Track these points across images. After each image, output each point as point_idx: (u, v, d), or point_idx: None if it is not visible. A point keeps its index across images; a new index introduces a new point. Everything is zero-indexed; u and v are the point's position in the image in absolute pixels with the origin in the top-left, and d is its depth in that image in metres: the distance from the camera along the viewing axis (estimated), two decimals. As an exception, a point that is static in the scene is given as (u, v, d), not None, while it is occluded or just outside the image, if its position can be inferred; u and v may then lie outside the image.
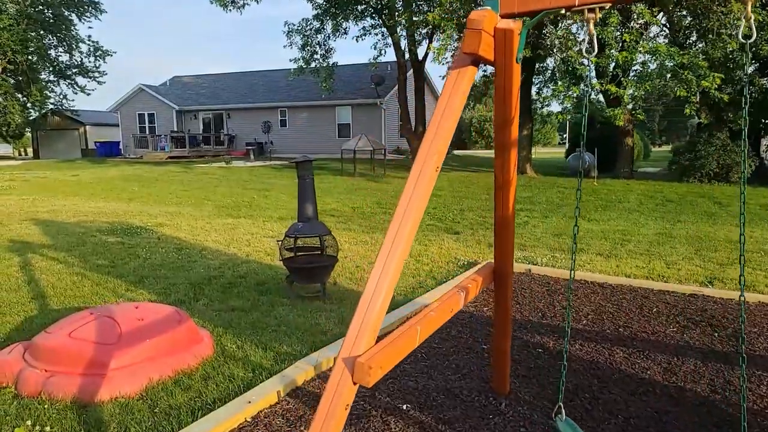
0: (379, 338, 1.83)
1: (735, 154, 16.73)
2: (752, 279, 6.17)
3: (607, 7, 1.89)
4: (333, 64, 23.07)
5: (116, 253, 7.27)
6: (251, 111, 33.32)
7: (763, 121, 18.61)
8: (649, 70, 14.60)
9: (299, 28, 22.02)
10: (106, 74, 35.95)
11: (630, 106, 15.92)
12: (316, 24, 21.79)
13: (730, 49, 13.43)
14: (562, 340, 4.23)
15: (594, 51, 1.93)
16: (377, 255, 1.83)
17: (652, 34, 16.66)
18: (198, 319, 4.61)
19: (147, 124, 35.53)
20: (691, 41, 17.13)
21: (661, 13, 15.84)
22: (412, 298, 5.31)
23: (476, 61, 2.03)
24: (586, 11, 1.88)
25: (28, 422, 2.95)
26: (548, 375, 3.60)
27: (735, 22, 12.58)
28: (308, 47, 22.23)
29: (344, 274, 6.19)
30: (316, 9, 21.61)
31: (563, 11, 1.94)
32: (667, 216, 10.77)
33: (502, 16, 2.01)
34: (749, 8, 1.69)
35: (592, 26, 1.92)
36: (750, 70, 16.26)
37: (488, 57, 2.02)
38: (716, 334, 4.37)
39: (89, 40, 38.88)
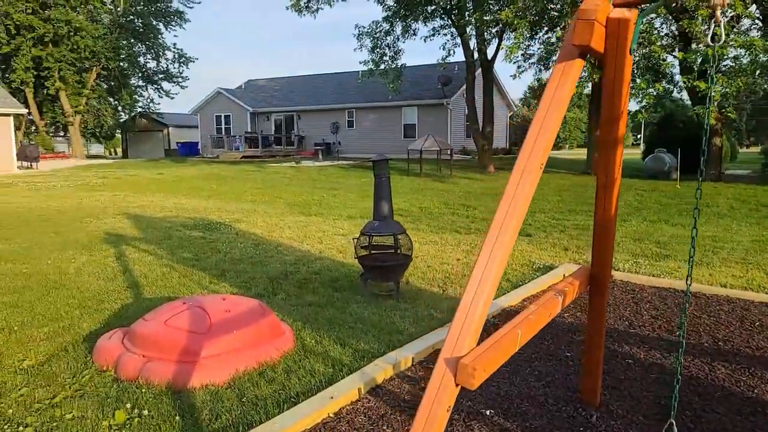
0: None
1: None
2: None
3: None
4: (401, 65, 23.14)
5: (199, 247, 7.60)
6: (320, 112, 34.03)
7: None
8: (742, 65, 13.57)
9: (369, 30, 22.23)
10: (188, 79, 38.18)
11: (718, 104, 14.88)
12: (386, 26, 21.91)
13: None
14: (653, 351, 3.99)
15: (721, 38, 1.78)
16: (479, 254, 1.77)
17: (744, 28, 15.50)
18: (278, 313, 4.72)
19: (223, 126, 37.14)
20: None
21: (755, 5, 14.70)
22: (489, 300, 5.18)
23: (584, 53, 1.93)
24: (713, -4, 1.74)
25: (128, 405, 3.12)
26: (641, 388, 3.39)
27: None
28: (378, 49, 22.39)
29: (416, 274, 6.15)
30: (386, 11, 21.74)
31: (686, -3, 1.81)
32: (763, 222, 9.95)
33: (615, 5, 1.90)
34: (718, 12, 1.50)
35: (719, 13, 1.77)
36: None
37: (599, 49, 1.91)
38: (831, 353, 3.96)
39: (174, 48, 41.22)
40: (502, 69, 31.79)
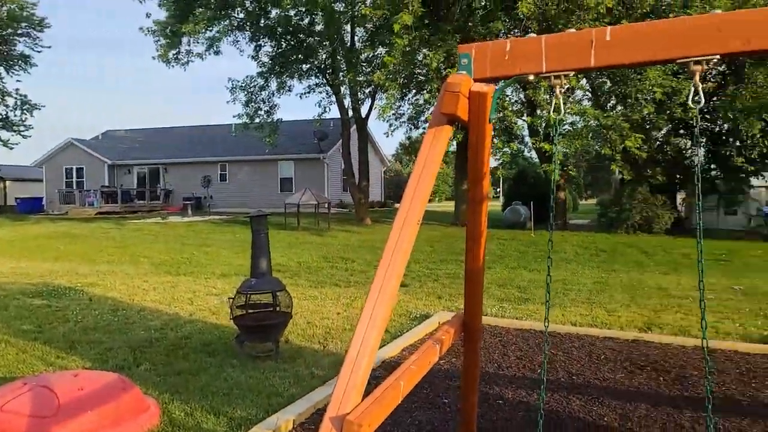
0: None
1: (656, 207, 18.05)
2: (686, 324, 6.54)
3: (571, 75, 2.07)
4: (278, 120, 23.26)
5: (43, 317, 6.73)
6: (190, 165, 32.64)
7: (678, 177, 20.30)
8: (578, 130, 15.73)
9: (243, 85, 22.16)
10: (32, 128, 34.36)
11: (561, 162, 16.95)
12: (261, 81, 22.00)
13: (647, 112, 14.76)
14: (519, 390, 4.28)
15: (561, 112, 2.09)
16: (362, 308, 1.82)
17: (577, 98, 18.06)
18: (142, 386, 4.31)
19: (75, 179, 33.91)
20: (611, 105, 18.68)
21: (585, 79, 17.26)
22: (369, 353, 5.22)
23: (452, 120, 2.14)
24: (552, 77, 2.05)
25: None
26: (510, 427, 3.61)
27: (650, 88, 13.91)
28: (252, 103, 22.33)
29: (296, 331, 6.03)
30: (260, 67, 21.88)
31: (531, 77, 2.10)
32: (602, 265, 11.34)
33: (476, 80, 2.15)
34: (697, 77, 1.91)
35: (558, 91, 2.08)
36: (664, 131, 17.88)
37: (464, 117, 2.14)
38: (661, 379, 4.56)
39: (17, 93, 37.26)
40: (376, 126, 33.45)
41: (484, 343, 5.55)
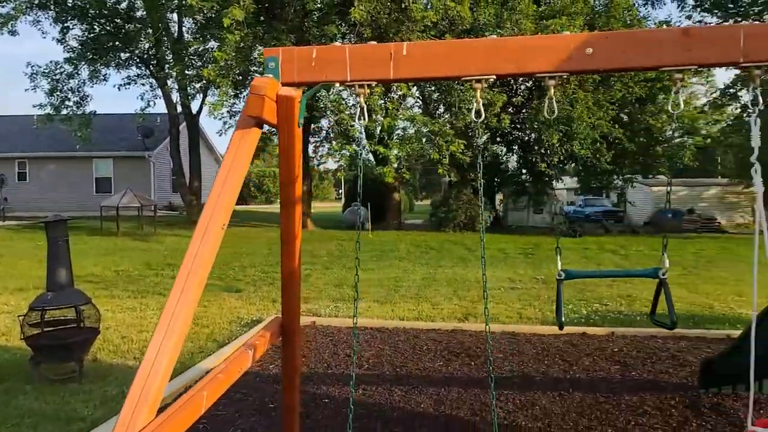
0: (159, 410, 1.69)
1: (479, 207, 19.97)
2: (497, 312, 7.33)
3: (374, 85, 2.18)
4: (90, 112, 20.80)
5: None
6: (-23, 162, 27.67)
7: (496, 180, 22.70)
8: (409, 135, 16.74)
9: (47, 71, 19.40)
10: None
11: (395, 165, 17.88)
12: (69, 68, 19.43)
13: (469, 120, 16.26)
14: (347, 388, 4.41)
15: (365, 119, 2.19)
16: (160, 318, 1.72)
17: (409, 105, 19.21)
18: None
19: None
20: (439, 112, 20.21)
21: (415, 87, 18.42)
22: (192, 364, 4.95)
23: (260, 123, 2.12)
24: (357, 86, 2.14)
25: None
26: (335, 425, 3.70)
27: (470, 98, 15.35)
28: (58, 93, 19.64)
29: (107, 348, 5.48)
30: (68, 52, 19.35)
31: (337, 84, 2.17)
32: (430, 262, 12.19)
33: (284, 84, 2.15)
34: (478, 94, 2.14)
35: (362, 99, 2.18)
36: (484, 138, 19.85)
37: (271, 120, 2.12)
38: (473, 363, 5.05)
39: None
40: (210, 124, 31.74)
41: (316, 344, 5.61)
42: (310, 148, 22.17)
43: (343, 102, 16.00)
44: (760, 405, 4.12)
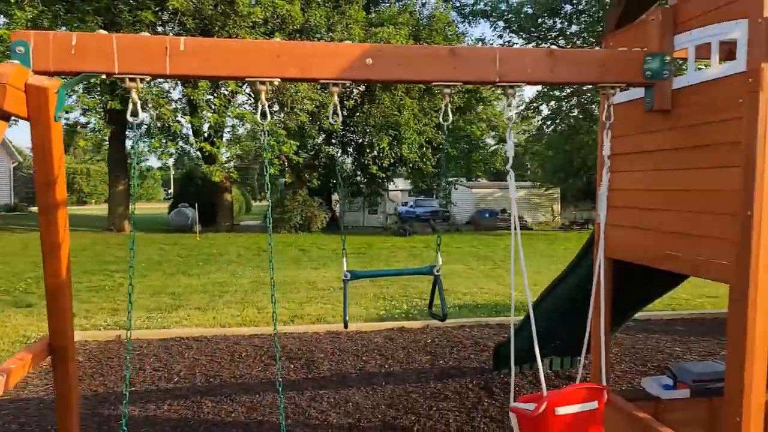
0: None
1: (314, 208, 20.07)
2: (323, 312, 7.41)
3: (147, 79, 2.01)
4: None
5: None
6: None
7: (333, 181, 23.02)
8: (239, 133, 16.21)
9: None
10: None
11: (229, 164, 17.15)
12: None
13: (302, 120, 16.25)
14: (149, 405, 4.08)
15: (138, 114, 2.01)
16: None
17: (239, 102, 18.56)
18: None
19: None
20: (274, 111, 19.87)
21: (245, 84, 17.86)
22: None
23: (4, 115, 1.83)
24: (127, 79, 1.96)
25: None
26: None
27: (302, 99, 15.38)
28: None
29: None
30: None
31: (104, 76, 1.96)
32: (262, 265, 11.90)
33: (36, 72, 1.89)
34: (263, 96, 2.11)
35: (134, 94, 2.00)
36: (318, 140, 20.02)
37: (19, 113, 1.85)
38: (292, 366, 5.03)
39: None
40: None
41: (118, 361, 5.10)
42: (128, 143, 20.19)
43: (165, 96, 14.87)
44: (535, 383, 4.75)
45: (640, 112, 2.46)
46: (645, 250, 2.52)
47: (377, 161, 19.57)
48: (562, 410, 2.21)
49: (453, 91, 2.24)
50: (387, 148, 18.18)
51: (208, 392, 4.30)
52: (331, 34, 14.46)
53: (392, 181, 25.07)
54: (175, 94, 17.24)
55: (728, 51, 2.20)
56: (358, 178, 23.75)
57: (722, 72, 2.06)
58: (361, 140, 22.46)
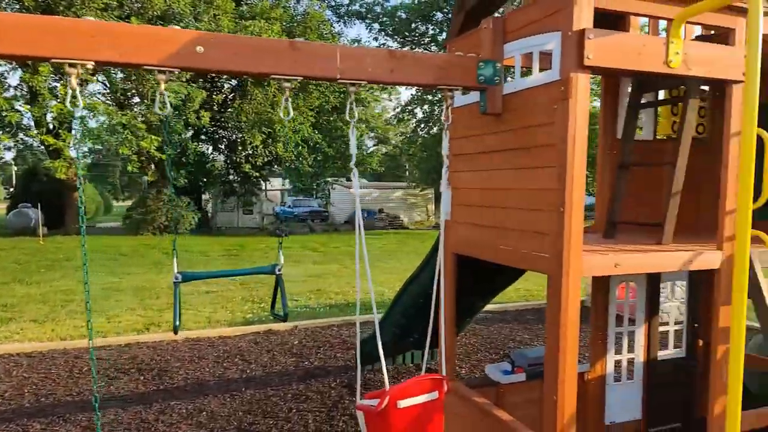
0: None
1: (181, 208, 18.87)
2: (184, 319, 6.97)
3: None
4: None
5: None
6: None
7: (204, 179, 21.84)
8: (90, 126, 14.70)
9: None
10: None
11: (85, 159, 15.47)
12: None
13: (166, 114, 15.01)
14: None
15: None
16: None
17: (91, 91, 16.82)
18: None
19: None
20: (135, 102, 18.34)
21: (100, 72, 16.31)
22: None
23: None
24: None
25: None
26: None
27: (167, 90, 14.23)
28: None
29: None
30: None
31: None
32: (116, 270, 10.93)
33: None
34: (73, 80, 1.88)
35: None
36: (188, 135, 18.80)
37: None
38: (142, 378, 4.65)
39: None
40: None
41: (-75, 386, 4.35)
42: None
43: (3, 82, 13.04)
44: (395, 377, 4.87)
45: (478, 114, 2.59)
46: (483, 245, 2.67)
47: (251, 159, 18.93)
48: (404, 403, 2.26)
49: (293, 86, 2.19)
50: (261, 146, 17.65)
51: (38, 413, 3.82)
52: (197, 24, 13.66)
53: (268, 180, 24.46)
54: (13, 80, 15.18)
55: (551, 61, 2.40)
56: (231, 176, 22.82)
57: (541, 80, 2.23)
58: (234, 137, 21.59)
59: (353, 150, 2.26)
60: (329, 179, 27.68)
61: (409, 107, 26.59)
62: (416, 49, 25.28)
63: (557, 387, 2.15)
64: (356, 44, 26.13)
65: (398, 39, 26.53)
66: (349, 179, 31.89)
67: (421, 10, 24.30)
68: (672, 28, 2.19)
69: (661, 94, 3.27)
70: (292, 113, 2.20)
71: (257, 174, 19.29)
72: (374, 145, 33.87)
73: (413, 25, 25.78)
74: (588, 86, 2.10)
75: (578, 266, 2.14)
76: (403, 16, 25.82)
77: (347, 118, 2.21)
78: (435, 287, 2.61)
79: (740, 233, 1.88)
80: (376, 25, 26.79)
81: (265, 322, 6.82)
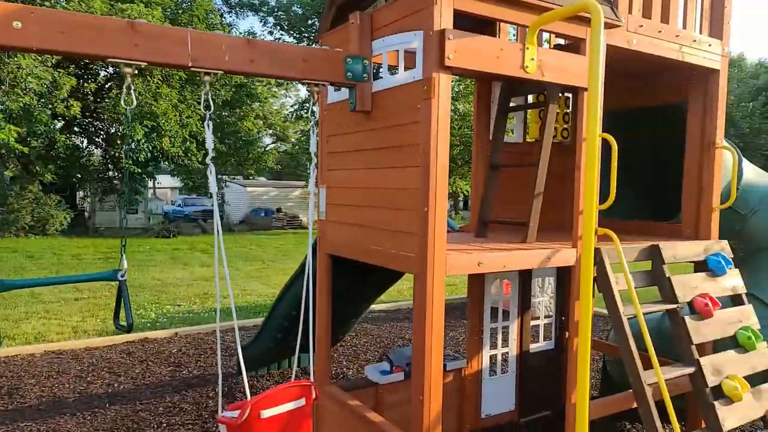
0: None
1: (50, 207, 17.08)
2: (45, 330, 6.29)
3: None
4: None
5: None
6: None
7: (77, 176, 19.91)
8: None
9: None
10: None
11: None
12: None
13: (27, 102, 13.44)
14: None
15: None
16: None
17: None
18: None
19: None
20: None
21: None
22: None
23: None
24: None
25: None
26: None
27: (25, 77, 12.79)
28: None
29: None
30: None
31: None
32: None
33: None
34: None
35: None
36: (54, 127, 16.98)
37: None
38: (-18, 401, 4.09)
39: None
40: None
41: None
42: None
43: None
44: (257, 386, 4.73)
45: (350, 112, 2.53)
46: (356, 245, 2.62)
47: (132, 155, 17.56)
48: (267, 413, 2.15)
49: (133, 71, 1.98)
50: (143, 141, 16.44)
51: None
52: (65, 4, 12.35)
53: (154, 177, 22.87)
54: None
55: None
56: (110, 173, 21.06)
57: (406, 78, 2.22)
58: (113, 130, 19.93)
59: (209, 144, 2.09)
60: (225, 177, 26.54)
61: (307, 104, 26.21)
62: (313, 45, 25.02)
63: (423, 387, 2.15)
64: (251, 37, 25.28)
65: (294, 34, 26.05)
66: (247, 177, 30.88)
67: (316, 6, 24.03)
68: (528, 35, 2.27)
69: (530, 99, 3.44)
70: (135, 102, 2.00)
71: (139, 170, 17.94)
72: (272, 143, 33.01)
73: (309, 21, 25.44)
74: (449, 86, 2.11)
75: (442, 265, 2.15)
76: (299, 11, 25.38)
77: (203, 110, 2.05)
78: (312, 290, 2.52)
79: (586, 232, 1.99)
80: (271, 19, 26.11)
81: (142, 330, 6.33)
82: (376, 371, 3.22)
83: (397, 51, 2.28)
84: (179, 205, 29.89)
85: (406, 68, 2.25)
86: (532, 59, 2.25)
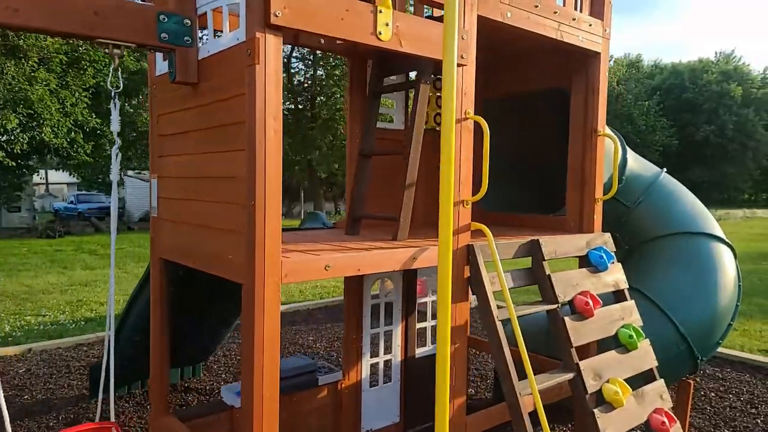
0: None
1: None
2: None
3: None
4: None
5: None
6: None
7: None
8: None
9: None
10: None
11: None
12: None
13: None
14: None
15: None
16: None
17: None
18: None
19: None
20: None
21: None
22: None
23: None
24: None
25: None
26: None
27: None
28: None
29: None
30: None
31: None
32: None
33: None
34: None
35: None
36: None
37: None
38: None
39: None
40: None
41: None
42: None
43: None
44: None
45: (172, 83, 2.04)
46: (185, 248, 2.15)
47: (5, 146, 15.62)
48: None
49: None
50: (18, 130, 14.64)
51: None
52: None
53: (37, 171, 20.68)
54: None
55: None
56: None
57: (229, 42, 1.78)
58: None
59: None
60: (131, 172, 24.60)
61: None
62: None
63: (253, 416, 1.73)
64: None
65: None
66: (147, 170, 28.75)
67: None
68: (380, -6, 1.91)
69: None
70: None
71: (14, 163, 16.00)
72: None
73: None
74: (279, 51, 1.70)
75: (276, 272, 1.74)
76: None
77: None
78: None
79: (443, 227, 1.67)
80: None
81: (-13, 347, 5.42)
82: (232, 392, 2.78)
83: (222, 8, 1.84)
84: (71, 202, 27.47)
85: (231, 30, 1.81)
86: (386, 24, 1.89)
